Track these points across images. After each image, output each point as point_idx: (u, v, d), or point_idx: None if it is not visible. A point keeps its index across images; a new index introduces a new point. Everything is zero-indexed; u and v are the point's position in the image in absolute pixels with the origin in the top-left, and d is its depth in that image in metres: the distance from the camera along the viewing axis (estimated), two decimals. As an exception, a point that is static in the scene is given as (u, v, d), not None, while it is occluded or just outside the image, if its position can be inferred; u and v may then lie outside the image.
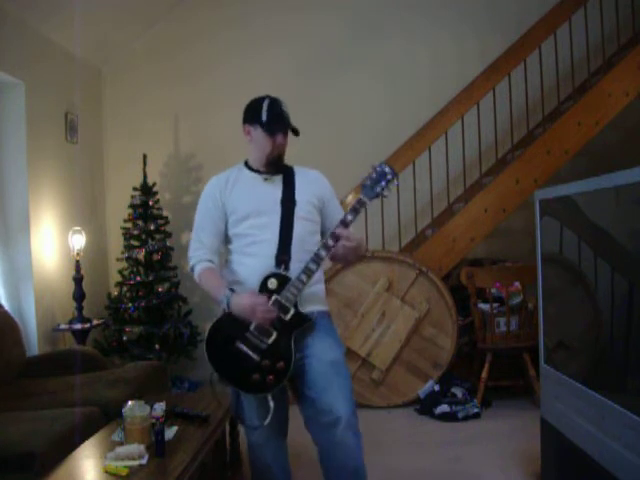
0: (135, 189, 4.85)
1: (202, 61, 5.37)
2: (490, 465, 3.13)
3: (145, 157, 4.92)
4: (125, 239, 4.81)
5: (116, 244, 5.10)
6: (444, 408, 3.92)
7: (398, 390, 4.18)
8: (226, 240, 2.33)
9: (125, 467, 1.95)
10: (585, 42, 4.69)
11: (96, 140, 5.38)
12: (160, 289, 4.74)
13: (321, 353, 2.16)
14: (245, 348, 2.12)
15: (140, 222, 4.78)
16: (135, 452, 2.04)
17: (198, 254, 2.28)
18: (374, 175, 2.15)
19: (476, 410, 3.90)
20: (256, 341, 2.12)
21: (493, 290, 4.05)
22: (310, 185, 2.31)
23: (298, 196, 2.25)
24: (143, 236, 4.77)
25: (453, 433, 3.68)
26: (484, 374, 3.97)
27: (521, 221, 4.79)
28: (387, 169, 2.15)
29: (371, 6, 5.30)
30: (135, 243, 4.78)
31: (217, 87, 5.34)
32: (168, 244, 4.88)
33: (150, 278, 4.68)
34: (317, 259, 2.11)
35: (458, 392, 4.04)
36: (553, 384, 2.63)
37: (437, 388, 4.09)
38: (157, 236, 4.82)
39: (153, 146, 5.25)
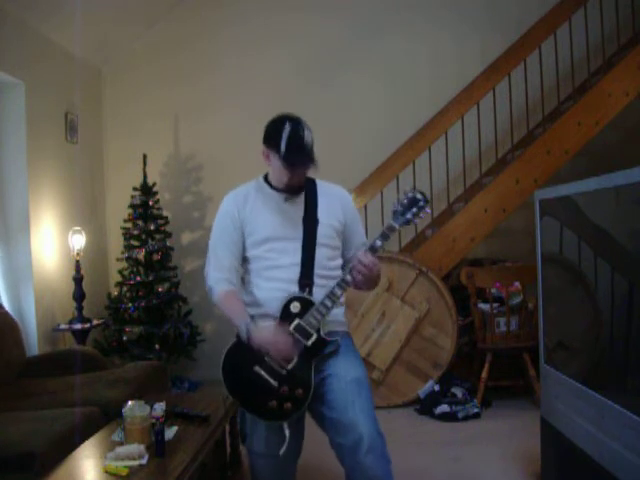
0: (135, 189, 4.85)
1: (202, 61, 5.37)
2: (490, 465, 3.13)
3: (145, 157, 4.93)
4: (125, 239, 4.81)
5: (116, 244, 5.10)
6: (444, 408, 3.92)
7: (398, 390, 4.18)
8: (243, 259, 2.22)
9: (125, 467, 1.95)
10: (585, 42, 4.69)
11: (96, 140, 5.38)
12: (160, 289, 4.74)
13: (342, 372, 2.07)
14: (263, 373, 2.03)
15: (140, 222, 4.78)
16: (135, 452, 2.03)
17: (216, 275, 2.16)
18: (405, 201, 2.07)
19: (476, 410, 3.90)
20: (275, 366, 2.04)
21: (493, 290, 4.05)
22: (333, 205, 2.21)
23: (320, 218, 2.16)
24: (143, 236, 4.77)
25: (453, 433, 3.68)
26: (484, 374, 3.97)
27: (521, 221, 4.79)
28: (419, 195, 2.07)
29: (371, 6, 5.30)
30: (135, 243, 4.78)
31: (217, 87, 5.35)
32: (168, 244, 4.88)
33: (150, 278, 4.68)
34: (343, 284, 2.04)
35: (458, 392, 4.04)
36: (553, 384, 2.63)
37: (437, 388, 4.09)
38: (157, 236, 4.82)
39: (153, 146, 5.25)
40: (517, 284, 4.04)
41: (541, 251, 2.75)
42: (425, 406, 4.03)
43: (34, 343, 4.11)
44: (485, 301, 4.16)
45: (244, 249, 2.19)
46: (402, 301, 4.19)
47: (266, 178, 2.24)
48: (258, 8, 5.33)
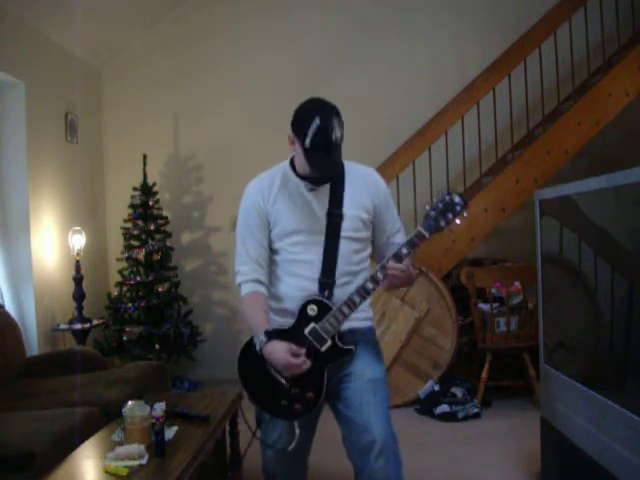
0: (135, 189, 4.85)
1: (202, 61, 5.37)
2: (490, 465, 3.13)
3: (145, 157, 4.92)
4: (125, 239, 4.81)
5: (116, 244, 5.10)
6: (444, 408, 3.92)
7: (398, 390, 4.17)
8: (270, 250, 2.14)
9: (125, 467, 1.95)
10: (585, 42, 4.69)
11: (96, 140, 5.38)
12: (160, 289, 4.74)
13: (360, 371, 2.03)
14: (275, 373, 2.00)
15: (140, 222, 4.78)
16: (135, 452, 2.03)
17: (245, 270, 2.09)
18: (441, 205, 1.92)
19: (476, 410, 3.90)
20: None
21: (493, 290, 4.05)
22: (360, 195, 2.07)
23: (346, 210, 2.03)
24: (143, 236, 4.77)
25: (453, 433, 3.68)
26: (484, 374, 3.97)
27: (521, 221, 4.79)
28: (457, 199, 1.92)
29: (371, 6, 5.30)
30: (135, 243, 4.78)
31: (217, 87, 5.34)
32: (168, 244, 4.88)
33: (150, 278, 4.67)
34: (363, 292, 1.95)
35: (458, 392, 4.04)
36: (553, 384, 2.63)
37: (437, 388, 4.09)
38: (157, 236, 4.82)
39: (153, 146, 5.25)
40: (517, 284, 4.05)
41: (541, 251, 2.75)
42: (425, 406, 4.03)
43: (34, 343, 4.11)
44: (485, 301, 4.16)
45: (271, 240, 2.12)
46: (402, 301, 4.19)
47: (292, 162, 2.11)
48: (258, 8, 5.33)
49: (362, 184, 2.11)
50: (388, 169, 4.76)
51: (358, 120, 5.22)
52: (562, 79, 4.78)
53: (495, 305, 4.08)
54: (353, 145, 5.29)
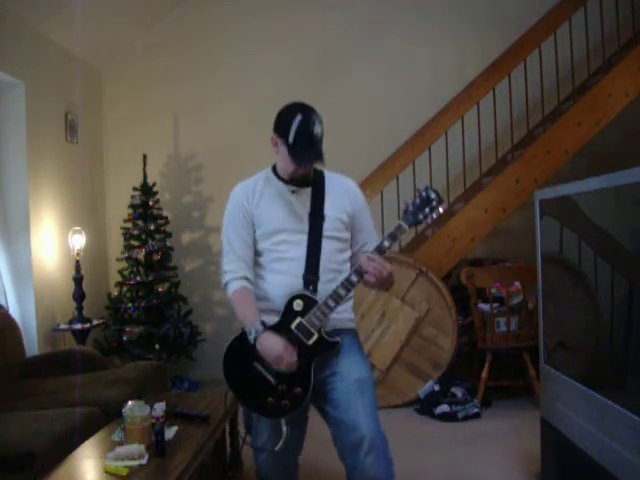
0: (135, 189, 4.85)
1: (202, 61, 5.37)
2: (490, 465, 3.13)
3: (145, 157, 4.92)
4: (125, 239, 4.81)
5: (116, 244, 5.10)
6: (444, 408, 3.92)
7: (398, 390, 4.18)
8: (254, 252, 2.21)
9: (125, 467, 1.95)
10: (585, 42, 4.69)
11: (96, 140, 5.38)
12: (160, 289, 4.74)
13: (346, 371, 2.06)
14: (262, 370, 2.03)
15: (140, 222, 4.78)
16: (135, 452, 2.03)
17: (232, 268, 2.15)
18: (418, 200, 2.02)
19: (476, 410, 3.90)
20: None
21: (493, 290, 4.05)
22: (341, 198, 2.16)
23: (327, 211, 2.12)
24: (143, 236, 4.77)
25: (453, 433, 3.68)
26: (484, 374, 3.97)
27: (521, 221, 4.79)
28: (433, 195, 2.01)
29: (371, 6, 5.30)
30: (135, 243, 4.78)
31: (217, 87, 5.35)
32: (168, 244, 4.88)
33: (150, 278, 4.67)
34: (347, 284, 2.01)
35: (458, 392, 4.04)
36: (553, 384, 2.63)
37: (437, 388, 4.09)
38: (157, 236, 4.82)
39: (153, 146, 5.25)
40: (517, 284, 4.05)
41: (541, 251, 2.75)
42: (425, 406, 4.03)
43: (34, 343, 4.11)
44: (485, 301, 4.16)
45: (255, 241, 2.17)
46: (402, 301, 4.18)
47: (274, 168, 2.20)
48: (258, 8, 5.33)
49: (342, 190, 2.20)
50: (388, 169, 4.77)
51: (358, 120, 5.24)
52: (562, 79, 4.78)
53: (495, 305, 4.08)
54: (353, 145, 5.34)
